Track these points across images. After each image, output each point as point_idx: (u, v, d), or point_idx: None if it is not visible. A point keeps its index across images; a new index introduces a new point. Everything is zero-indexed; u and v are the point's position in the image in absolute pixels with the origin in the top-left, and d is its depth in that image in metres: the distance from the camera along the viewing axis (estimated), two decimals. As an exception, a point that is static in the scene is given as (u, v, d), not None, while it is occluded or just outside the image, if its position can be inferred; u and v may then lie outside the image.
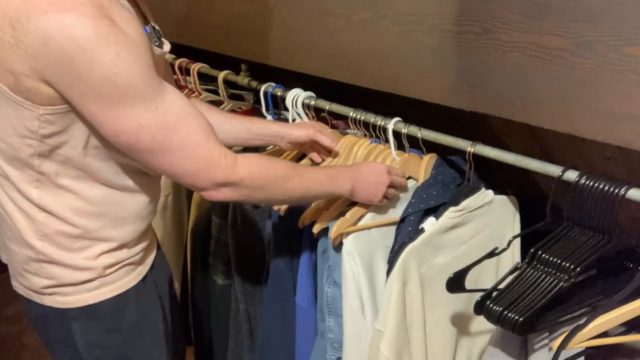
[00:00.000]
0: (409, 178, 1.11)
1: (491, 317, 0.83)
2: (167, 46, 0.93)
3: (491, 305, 0.83)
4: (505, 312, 0.81)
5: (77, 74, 0.73)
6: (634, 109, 0.75)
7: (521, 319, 0.79)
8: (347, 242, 1.01)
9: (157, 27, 0.93)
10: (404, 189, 1.09)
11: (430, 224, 0.99)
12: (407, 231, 1.01)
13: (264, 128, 1.15)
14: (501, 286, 0.86)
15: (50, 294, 0.93)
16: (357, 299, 1.02)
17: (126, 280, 0.95)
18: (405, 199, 1.09)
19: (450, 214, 0.99)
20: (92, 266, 0.91)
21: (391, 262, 0.99)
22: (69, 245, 0.89)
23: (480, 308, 0.85)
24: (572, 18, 0.77)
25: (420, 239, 0.97)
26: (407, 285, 0.97)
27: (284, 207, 1.13)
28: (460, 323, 1.06)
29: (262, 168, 0.90)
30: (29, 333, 2.11)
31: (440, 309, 1.03)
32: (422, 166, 1.10)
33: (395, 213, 1.08)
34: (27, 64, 0.73)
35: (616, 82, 0.75)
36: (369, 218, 1.05)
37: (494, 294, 0.85)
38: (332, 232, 1.02)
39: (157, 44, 0.89)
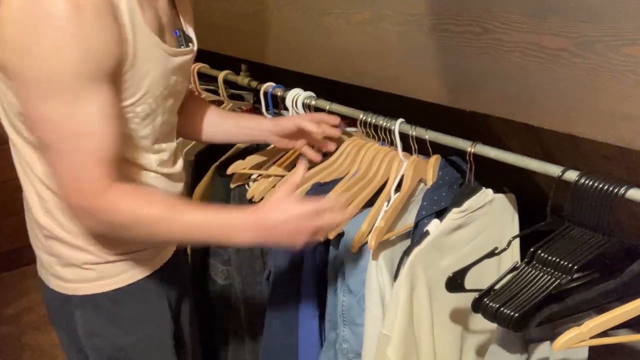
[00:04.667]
0: (420, 181, 1.10)
1: (487, 314, 0.83)
2: (188, 55, 0.93)
3: (487, 302, 0.83)
4: (502, 309, 0.81)
5: (16, 48, 0.73)
6: (633, 109, 0.75)
7: (516, 315, 0.79)
8: (375, 251, 0.99)
9: (189, 33, 0.94)
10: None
11: (434, 226, 0.98)
12: (421, 235, 1.00)
13: (251, 121, 1.17)
14: (499, 285, 0.86)
15: (54, 276, 0.95)
16: (381, 309, 1.00)
17: (127, 276, 0.96)
18: (416, 202, 1.08)
19: (453, 215, 0.99)
20: (91, 249, 0.92)
21: (398, 267, 0.99)
22: (70, 225, 0.90)
23: (477, 306, 0.85)
24: (572, 18, 0.77)
25: (426, 242, 0.96)
26: (415, 289, 0.96)
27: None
28: (466, 323, 1.06)
29: (131, 204, 0.81)
30: (29, 333, 2.11)
31: (447, 310, 1.03)
32: (430, 168, 1.09)
33: (410, 217, 1.07)
34: None
35: (616, 82, 0.75)
36: (383, 221, 1.01)
37: (492, 292, 0.85)
38: (372, 243, 0.97)
39: (183, 48, 0.90)
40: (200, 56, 1.53)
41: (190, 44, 0.95)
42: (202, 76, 1.54)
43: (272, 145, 1.27)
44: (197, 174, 1.40)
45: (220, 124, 1.14)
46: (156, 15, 0.86)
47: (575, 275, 0.84)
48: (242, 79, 1.45)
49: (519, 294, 0.83)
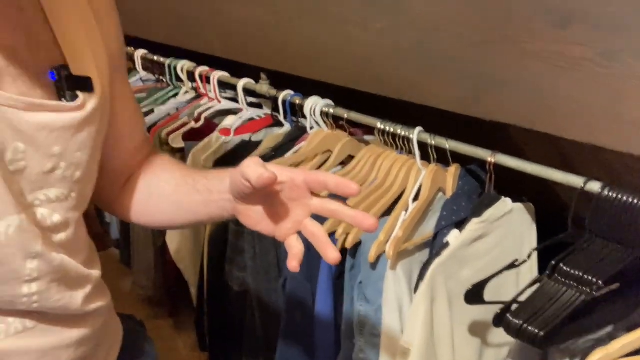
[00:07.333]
0: (438, 190, 1.09)
1: (511, 330, 0.81)
2: (69, 112, 0.55)
3: (510, 318, 0.81)
4: (525, 325, 0.79)
5: None
6: (658, 119, 0.74)
7: (542, 334, 0.77)
8: (393, 261, 0.98)
9: (89, 75, 0.58)
10: None
11: (454, 237, 0.97)
12: (441, 246, 0.99)
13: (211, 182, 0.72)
14: (521, 298, 0.85)
15: None
16: (398, 319, 1.00)
17: None
18: (435, 211, 1.07)
19: (473, 226, 0.97)
20: None
21: (418, 278, 0.97)
22: None
23: (499, 320, 0.83)
24: (596, 27, 0.76)
25: (446, 253, 0.95)
26: (436, 302, 0.95)
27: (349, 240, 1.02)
28: (485, 335, 1.05)
29: None
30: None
31: (467, 322, 1.02)
32: (449, 178, 1.08)
33: (428, 227, 1.06)
34: None
35: (639, 91, 0.74)
36: (401, 231, 1.00)
37: (514, 306, 0.83)
38: (390, 253, 0.97)
39: (65, 99, 0.55)
40: (220, 64, 1.56)
41: (80, 96, 0.56)
42: (221, 84, 1.56)
43: (296, 151, 1.26)
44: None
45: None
46: None
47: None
48: (261, 87, 1.46)
49: (543, 309, 0.81)
